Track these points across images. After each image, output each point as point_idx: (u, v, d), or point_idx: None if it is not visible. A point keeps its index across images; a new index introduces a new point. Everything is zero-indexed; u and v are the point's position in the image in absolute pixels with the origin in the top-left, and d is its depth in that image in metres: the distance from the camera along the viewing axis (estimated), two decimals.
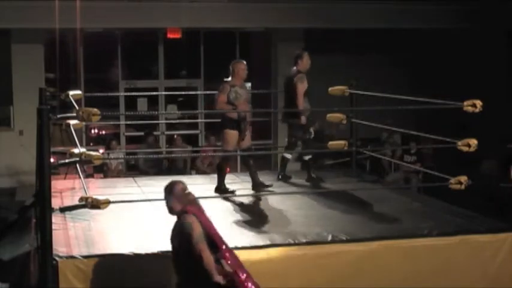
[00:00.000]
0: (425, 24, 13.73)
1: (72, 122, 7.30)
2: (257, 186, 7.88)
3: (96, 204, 5.74)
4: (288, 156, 8.60)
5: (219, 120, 7.94)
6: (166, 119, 13.63)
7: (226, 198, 7.44)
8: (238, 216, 6.76)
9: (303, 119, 8.24)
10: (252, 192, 7.77)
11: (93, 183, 8.81)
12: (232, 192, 7.66)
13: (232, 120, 7.68)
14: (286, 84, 8.48)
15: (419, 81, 13.08)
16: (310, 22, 13.33)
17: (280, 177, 8.52)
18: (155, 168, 12.39)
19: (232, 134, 7.70)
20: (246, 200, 7.47)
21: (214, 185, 8.43)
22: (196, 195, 7.36)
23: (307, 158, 8.52)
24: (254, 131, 14.40)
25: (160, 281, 5.41)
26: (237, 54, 14.32)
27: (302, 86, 8.23)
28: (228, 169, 11.58)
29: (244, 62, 7.90)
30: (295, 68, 8.36)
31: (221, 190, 7.72)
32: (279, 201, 7.46)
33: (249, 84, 15.26)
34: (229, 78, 7.80)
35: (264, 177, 8.17)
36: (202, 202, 6.98)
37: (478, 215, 6.83)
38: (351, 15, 13.49)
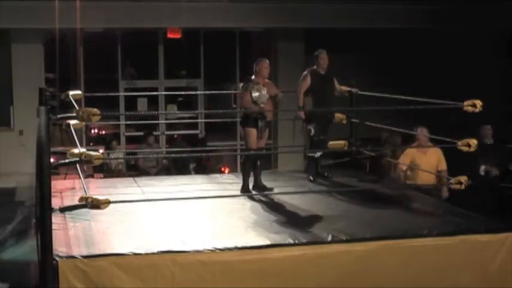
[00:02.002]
0: (426, 24, 13.72)
1: (72, 122, 7.30)
2: (258, 188, 7.90)
3: (96, 204, 5.74)
4: (315, 155, 8.60)
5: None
6: (166, 119, 13.63)
7: (228, 199, 7.43)
8: (238, 216, 6.76)
9: (301, 114, 8.30)
10: (252, 192, 7.78)
11: (93, 183, 8.81)
12: (250, 192, 7.73)
13: (253, 119, 7.76)
14: None
15: (420, 82, 13.07)
16: (310, 22, 13.33)
17: (312, 178, 8.50)
18: (155, 168, 12.39)
19: (253, 132, 7.77)
20: (246, 200, 7.47)
21: (213, 185, 8.45)
22: (196, 195, 7.44)
23: (317, 155, 8.56)
24: None
25: None
26: (237, 54, 14.34)
27: (302, 84, 8.39)
28: (226, 169, 11.56)
29: (267, 61, 7.99)
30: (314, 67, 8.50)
31: (246, 189, 7.79)
32: (279, 201, 7.46)
33: None
34: (253, 77, 7.87)
35: (267, 177, 8.18)
36: (202, 202, 7.05)
37: (478, 215, 6.83)
38: (351, 15, 13.50)
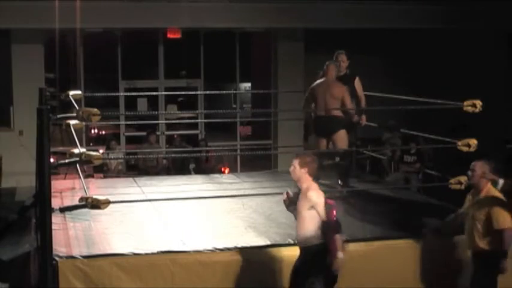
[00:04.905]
0: (425, 24, 13.72)
1: (72, 122, 7.30)
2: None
3: (96, 204, 5.74)
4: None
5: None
6: (166, 119, 13.62)
7: (228, 199, 7.42)
8: (238, 216, 6.77)
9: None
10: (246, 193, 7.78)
11: (93, 183, 8.82)
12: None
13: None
14: None
15: (419, 82, 13.07)
16: (310, 22, 13.33)
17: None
18: (155, 168, 12.38)
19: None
20: (246, 201, 7.46)
21: (213, 185, 8.44)
22: (196, 195, 7.44)
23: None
24: (254, 131, 14.51)
25: None
26: (237, 54, 14.32)
27: None
28: (227, 169, 11.54)
29: (336, 63, 8.00)
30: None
31: None
32: (279, 201, 7.45)
33: (248, 85, 15.32)
34: (323, 79, 7.89)
35: (267, 177, 8.18)
36: (202, 202, 7.05)
37: None
38: (351, 15, 13.49)
